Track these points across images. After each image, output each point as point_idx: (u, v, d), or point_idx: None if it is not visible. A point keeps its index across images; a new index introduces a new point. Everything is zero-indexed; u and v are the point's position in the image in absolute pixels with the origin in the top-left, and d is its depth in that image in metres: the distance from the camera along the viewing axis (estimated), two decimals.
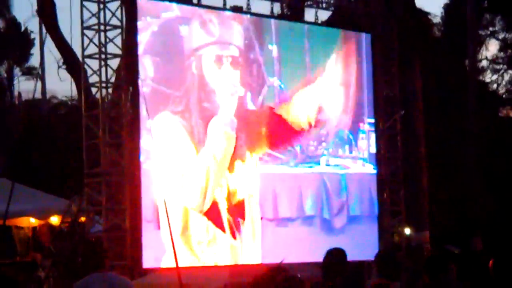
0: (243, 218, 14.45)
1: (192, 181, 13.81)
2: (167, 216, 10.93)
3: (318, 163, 15.71)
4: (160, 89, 13.68)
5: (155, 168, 13.40)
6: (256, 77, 14.98)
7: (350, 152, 16.24)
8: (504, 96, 30.59)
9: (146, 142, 13.38)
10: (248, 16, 14.98)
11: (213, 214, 14.03)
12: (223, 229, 14.14)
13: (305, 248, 14.76)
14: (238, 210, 14.40)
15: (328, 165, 15.86)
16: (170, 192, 13.38)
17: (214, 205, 14.06)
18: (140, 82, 13.38)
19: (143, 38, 13.64)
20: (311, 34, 15.90)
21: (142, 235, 13.35)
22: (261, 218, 14.63)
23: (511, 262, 7.01)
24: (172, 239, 8.72)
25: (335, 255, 7.65)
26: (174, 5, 14.07)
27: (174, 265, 11.12)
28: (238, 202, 14.43)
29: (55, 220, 17.49)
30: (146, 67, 13.61)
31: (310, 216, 15.46)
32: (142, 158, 13.42)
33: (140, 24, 13.65)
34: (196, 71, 14.03)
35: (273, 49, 15.24)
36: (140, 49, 13.58)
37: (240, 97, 14.59)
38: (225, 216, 14.19)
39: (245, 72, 14.74)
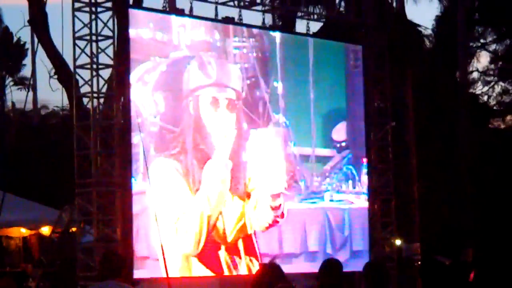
0: (240, 257, 14.49)
1: (187, 226, 13.82)
2: (158, 227, 10.91)
3: (322, 198, 15.92)
4: (166, 127, 13.81)
5: (150, 212, 13.21)
6: (262, 115, 15.17)
7: (354, 187, 16.47)
8: (494, 107, 30.70)
9: (141, 186, 13.34)
10: (254, 54, 15.15)
11: (209, 257, 14.07)
12: (221, 271, 14.22)
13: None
14: (235, 250, 14.46)
15: (332, 200, 16.05)
16: (166, 238, 13.29)
17: (211, 248, 14.09)
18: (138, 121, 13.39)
19: (152, 78, 13.75)
20: (316, 70, 16.04)
21: (133, 245, 13.33)
22: (260, 255, 14.66)
23: (493, 273, 7.05)
24: (162, 249, 8.73)
25: (330, 266, 7.65)
26: (183, 44, 14.19)
27: (164, 276, 11.16)
28: (235, 242, 14.48)
29: (45, 230, 17.49)
30: (154, 105, 13.71)
31: (314, 252, 15.56)
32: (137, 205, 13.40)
33: (149, 64, 13.75)
34: (193, 112, 14.11)
35: (279, 86, 15.43)
36: (149, 88, 13.70)
37: (244, 136, 14.72)
38: (222, 258, 14.25)
39: (251, 110, 14.93)
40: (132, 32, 13.67)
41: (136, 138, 13.30)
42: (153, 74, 13.75)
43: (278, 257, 14.38)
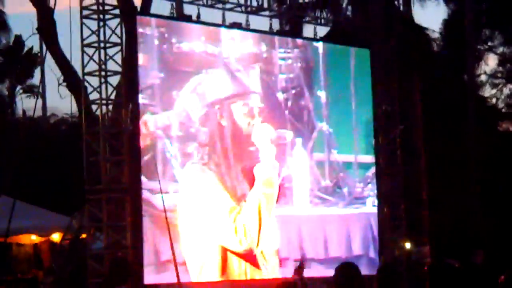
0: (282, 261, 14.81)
1: (244, 224, 14.11)
2: (168, 229, 10.94)
3: (364, 204, 16.34)
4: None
5: (185, 213, 13.71)
6: (307, 123, 15.60)
7: None
8: (503, 110, 30.62)
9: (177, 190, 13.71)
10: (299, 64, 15.59)
11: (260, 257, 14.40)
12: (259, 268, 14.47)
13: None
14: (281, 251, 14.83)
15: (374, 206, 16.50)
16: (207, 233, 13.78)
17: (262, 247, 14.42)
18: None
19: (203, 89, 14.13)
20: (357, 79, 16.48)
21: (143, 251, 13.37)
22: (304, 260, 14.69)
23: None
24: (173, 253, 8.77)
25: (346, 271, 7.64)
26: (233, 56, 14.57)
27: (175, 281, 11.19)
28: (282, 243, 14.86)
29: (56, 237, 17.55)
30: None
31: (358, 256, 15.91)
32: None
33: (202, 76, 14.13)
34: (226, 120, 14.29)
35: (322, 95, 15.81)
36: (201, 99, 14.10)
37: (292, 143, 15.11)
38: (264, 257, 14.50)
39: (296, 118, 15.38)
40: (186, 46, 14.13)
41: (190, 148, 13.79)
42: (204, 84, 14.16)
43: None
